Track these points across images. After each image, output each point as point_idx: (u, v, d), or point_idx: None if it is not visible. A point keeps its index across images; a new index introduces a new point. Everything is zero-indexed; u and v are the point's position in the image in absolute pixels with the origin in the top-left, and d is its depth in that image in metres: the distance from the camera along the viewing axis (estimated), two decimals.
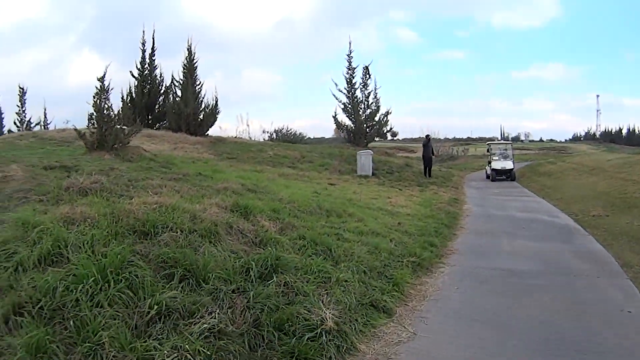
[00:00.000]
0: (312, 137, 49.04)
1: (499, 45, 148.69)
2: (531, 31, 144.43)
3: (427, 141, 24.14)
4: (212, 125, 29.55)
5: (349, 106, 30.89)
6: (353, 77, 31.67)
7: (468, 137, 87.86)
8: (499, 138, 46.61)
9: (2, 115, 39.26)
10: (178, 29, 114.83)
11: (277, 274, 5.37)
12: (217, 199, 7.74)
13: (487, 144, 30.31)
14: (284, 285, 5.20)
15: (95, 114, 14.12)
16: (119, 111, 14.66)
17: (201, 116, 28.36)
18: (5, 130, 38.03)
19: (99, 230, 5.11)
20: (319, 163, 22.48)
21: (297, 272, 5.61)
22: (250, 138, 32.66)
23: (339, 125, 31.47)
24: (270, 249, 5.94)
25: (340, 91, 31.54)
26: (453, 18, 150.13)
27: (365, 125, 30.79)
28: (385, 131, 32.36)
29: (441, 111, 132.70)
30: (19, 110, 38.41)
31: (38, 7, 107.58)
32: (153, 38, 29.52)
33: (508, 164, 26.29)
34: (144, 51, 29.43)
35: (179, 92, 28.69)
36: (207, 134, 28.32)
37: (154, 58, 29.52)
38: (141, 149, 15.38)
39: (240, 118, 39.89)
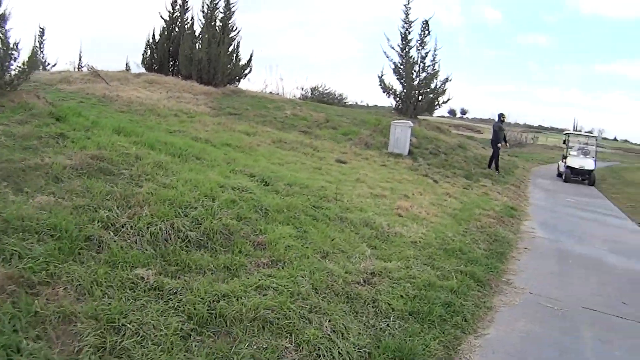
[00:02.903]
0: (365, 104, 43.36)
1: (585, 35, 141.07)
2: (622, 23, 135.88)
3: (500, 122, 18.14)
4: (239, 77, 26.16)
5: (401, 67, 25.13)
6: (409, 33, 25.43)
7: (539, 125, 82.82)
8: (572, 130, 40.12)
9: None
10: None
11: None
12: None
13: (565, 134, 24.21)
14: None
15: None
16: None
17: (219, 65, 24.16)
18: None
19: None
20: (343, 131, 17.61)
21: None
22: (281, 94, 28.54)
23: (385, 88, 25.50)
24: None
25: (392, 48, 25.44)
26: (542, 0, 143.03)
27: (417, 91, 25.04)
28: (441, 102, 26.24)
29: (515, 95, 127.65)
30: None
31: None
32: None
33: (588, 163, 20.60)
34: None
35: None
36: (225, 85, 24.19)
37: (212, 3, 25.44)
38: (34, 96, 10.88)
39: (269, 69, 33.29)
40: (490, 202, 11.21)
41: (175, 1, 25.73)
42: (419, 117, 25.12)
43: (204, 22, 24.57)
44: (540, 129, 74.72)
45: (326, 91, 30.66)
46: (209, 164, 7.78)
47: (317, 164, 11.54)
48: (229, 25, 24.95)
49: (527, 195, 14.58)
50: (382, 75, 25.49)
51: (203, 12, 24.59)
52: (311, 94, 30.16)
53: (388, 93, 25.50)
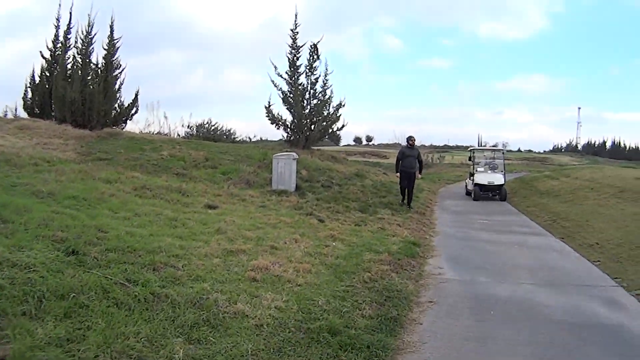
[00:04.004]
0: (259, 138, 41.63)
1: (483, 56, 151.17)
2: (517, 42, 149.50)
3: (409, 147, 14.95)
4: (125, 118, 23.31)
5: (290, 95, 22.94)
6: (297, 59, 23.24)
7: (445, 145, 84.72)
8: (477, 146, 39.60)
9: None
10: (161, 26, 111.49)
11: None
12: None
13: (470, 150, 22.93)
14: None
15: None
16: None
17: (95, 106, 21.21)
18: None
19: None
20: (223, 169, 15.25)
21: None
22: (166, 133, 26.26)
23: (273, 119, 23.13)
24: None
25: (280, 76, 23.15)
26: (439, 26, 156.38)
27: (309, 120, 22.86)
28: (335, 129, 24.24)
29: (421, 119, 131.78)
30: None
31: None
32: (70, 12, 22.52)
33: (497, 178, 19.33)
34: (57, 28, 22.58)
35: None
36: (103, 127, 21.02)
37: (69, 36, 22.59)
38: None
39: (151, 108, 30.06)
40: (387, 239, 9.02)
41: (57, 38, 22.72)
42: (312, 147, 23.16)
43: (79, 59, 21.75)
44: (446, 149, 76.26)
45: (213, 127, 28.37)
46: (10, 230, 5.53)
47: (177, 213, 9.18)
48: (113, 62, 22.26)
49: (433, 222, 12.63)
50: (269, 105, 23.17)
51: (77, 48, 21.76)
52: (197, 131, 27.90)
53: (277, 124, 23.23)
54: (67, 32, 22.46)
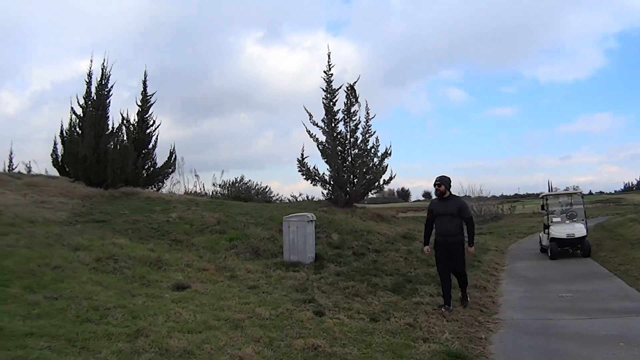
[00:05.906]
0: (305, 197, 38.85)
1: (545, 100, 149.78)
2: (577, 83, 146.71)
3: (441, 198, 8.39)
4: (162, 177, 22.34)
5: (329, 147, 19.78)
6: (334, 104, 20.38)
7: (515, 194, 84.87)
8: (549, 192, 35.67)
9: None
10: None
11: None
12: None
13: (542, 197, 19.09)
14: None
15: None
16: None
17: (109, 163, 19.37)
18: None
19: None
20: (232, 235, 12.55)
21: None
22: (204, 194, 24.96)
23: (308, 174, 20.24)
24: None
25: (316, 125, 20.37)
26: (500, 75, 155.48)
27: (350, 174, 19.82)
28: (382, 182, 20.78)
29: (489, 169, 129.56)
30: None
31: None
32: (102, 67, 20.94)
33: (578, 229, 15.48)
34: (89, 84, 21.01)
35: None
36: (119, 187, 19.19)
37: (104, 92, 21.22)
38: None
39: (179, 164, 27.42)
40: (412, 349, 5.59)
41: (89, 94, 21.15)
42: (356, 204, 20.16)
43: (95, 113, 20.15)
44: (517, 198, 74.61)
45: (245, 186, 26.36)
46: None
47: (117, 297, 6.69)
48: (146, 119, 21.53)
49: (496, 301, 9.04)
50: (303, 159, 20.34)
51: (89, 98, 20.43)
52: (227, 190, 26.42)
53: (313, 180, 20.24)
54: (99, 88, 21.10)
